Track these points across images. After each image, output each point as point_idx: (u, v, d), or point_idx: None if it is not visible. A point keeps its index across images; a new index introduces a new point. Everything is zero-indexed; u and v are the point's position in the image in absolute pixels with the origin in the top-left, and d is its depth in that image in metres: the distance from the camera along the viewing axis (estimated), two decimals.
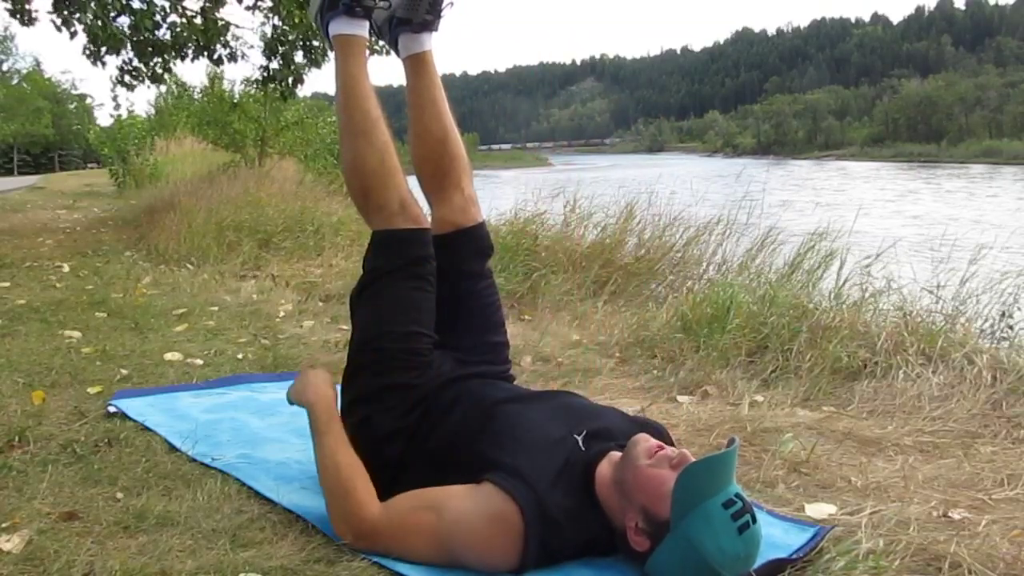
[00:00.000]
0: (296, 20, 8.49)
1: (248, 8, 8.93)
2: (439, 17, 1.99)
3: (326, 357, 3.10)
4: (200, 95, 15.10)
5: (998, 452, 2.14)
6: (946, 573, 1.43)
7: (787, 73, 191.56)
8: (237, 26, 9.36)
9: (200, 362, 3.02)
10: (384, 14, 1.95)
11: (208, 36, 8.98)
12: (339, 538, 1.56)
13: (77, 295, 4.21)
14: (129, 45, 8.91)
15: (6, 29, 38.21)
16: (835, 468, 2.03)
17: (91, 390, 2.57)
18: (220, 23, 9.11)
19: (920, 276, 3.55)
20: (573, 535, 1.48)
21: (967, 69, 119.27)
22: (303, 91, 11.53)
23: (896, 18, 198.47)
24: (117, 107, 10.70)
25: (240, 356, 3.15)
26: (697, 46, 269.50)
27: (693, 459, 1.42)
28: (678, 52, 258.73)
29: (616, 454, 1.54)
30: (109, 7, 8.48)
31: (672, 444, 1.61)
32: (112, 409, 2.36)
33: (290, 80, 9.34)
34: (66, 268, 5.28)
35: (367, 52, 1.96)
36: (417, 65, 2.00)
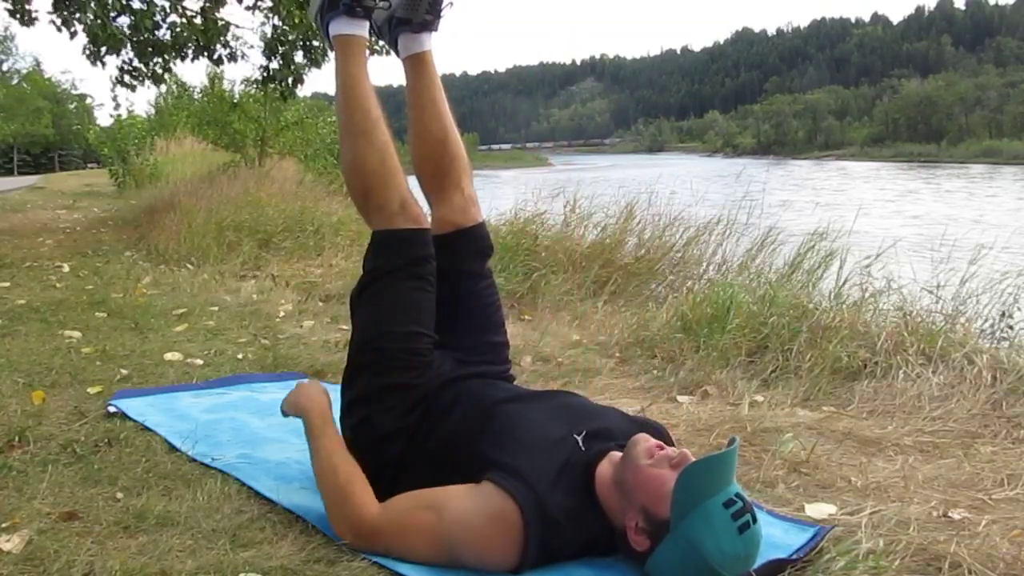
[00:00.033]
0: (296, 20, 8.50)
1: (248, 8, 8.94)
2: (439, 17, 1.99)
3: (326, 357, 3.11)
4: (200, 95, 15.12)
5: (998, 452, 2.14)
6: (946, 573, 1.43)
7: (787, 73, 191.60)
8: (237, 26, 9.38)
9: (200, 362, 3.02)
10: (384, 14, 1.95)
11: (208, 36, 8.98)
12: (339, 538, 1.56)
13: (77, 295, 4.21)
14: (129, 45, 8.91)
15: (6, 29, 38.27)
16: (835, 468, 2.03)
17: (91, 390, 2.57)
18: (220, 23, 9.11)
19: (920, 276, 3.55)
20: (573, 535, 1.48)
21: (967, 69, 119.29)
22: (303, 91, 11.55)
23: (896, 18, 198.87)
24: (117, 107, 10.74)
25: (240, 356, 3.15)
26: (697, 46, 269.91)
27: (693, 459, 1.42)
28: (678, 52, 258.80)
29: (616, 454, 1.54)
30: (109, 7, 8.48)
31: (672, 444, 1.61)
32: (112, 409, 2.36)
33: (290, 80, 9.35)
34: (66, 268, 5.28)
35: (367, 52, 1.96)
36: (417, 65, 2.00)
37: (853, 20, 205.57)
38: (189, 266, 5.42)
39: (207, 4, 8.97)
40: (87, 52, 8.72)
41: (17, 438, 2.08)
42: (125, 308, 3.90)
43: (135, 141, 15.95)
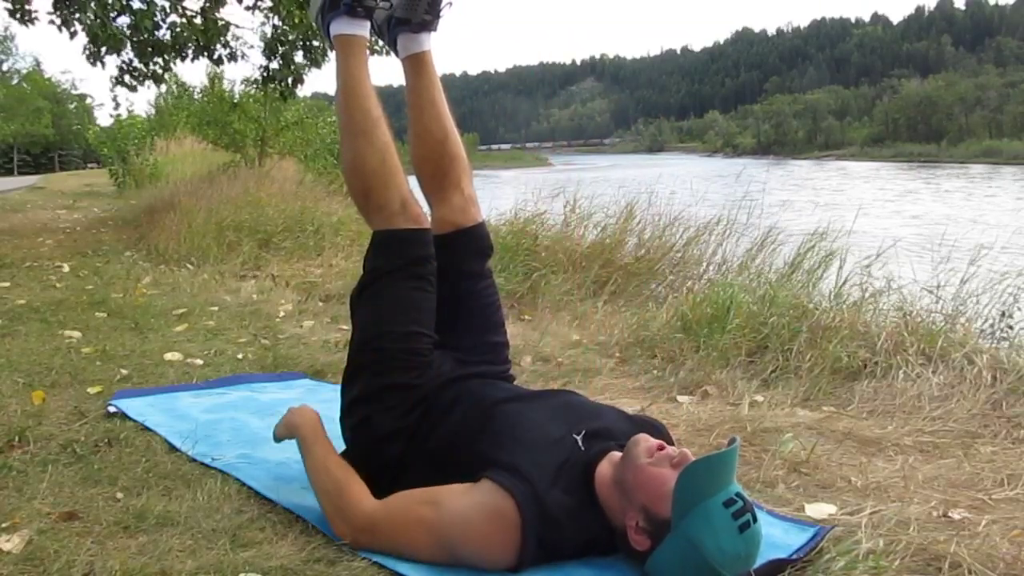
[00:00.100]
0: (296, 20, 8.50)
1: (248, 8, 8.95)
2: (438, 17, 1.99)
3: (326, 357, 3.11)
4: (200, 95, 15.12)
5: (998, 452, 2.14)
6: (946, 573, 1.43)
7: (787, 73, 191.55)
8: (237, 26, 9.38)
9: (200, 362, 3.02)
10: (384, 14, 1.95)
11: (208, 36, 8.98)
12: (339, 538, 1.56)
13: (77, 295, 4.21)
14: (129, 45, 8.92)
15: (6, 29, 38.30)
16: (835, 468, 2.03)
17: (91, 390, 2.57)
18: (220, 23, 9.11)
19: (920, 276, 3.55)
20: (573, 534, 1.48)
21: (967, 69, 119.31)
22: (303, 91, 11.54)
23: (896, 18, 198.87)
24: (117, 107, 10.67)
25: (240, 356, 3.15)
26: (697, 46, 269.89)
27: (694, 458, 1.42)
28: (678, 52, 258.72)
29: (616, 454, 1.54)
30: (109, 7, 8.49)
31: (672, 443, 1.61)
32: (112, 409, 2.36)
33: (290, 80, 9.35)
34: (66, 268, 5.28)
35: (368, 52, 1.96)
36: (416, 65, 2.00)
37: (853, 20, 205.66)
38: (189, 266, 5.42)
39: (207, 4, 8.97)
40: (87, 52, 8.73)
41: (17, 438, 2.08)
42: (125, 308, 3.90)
43: (135, 141, 15.95)
